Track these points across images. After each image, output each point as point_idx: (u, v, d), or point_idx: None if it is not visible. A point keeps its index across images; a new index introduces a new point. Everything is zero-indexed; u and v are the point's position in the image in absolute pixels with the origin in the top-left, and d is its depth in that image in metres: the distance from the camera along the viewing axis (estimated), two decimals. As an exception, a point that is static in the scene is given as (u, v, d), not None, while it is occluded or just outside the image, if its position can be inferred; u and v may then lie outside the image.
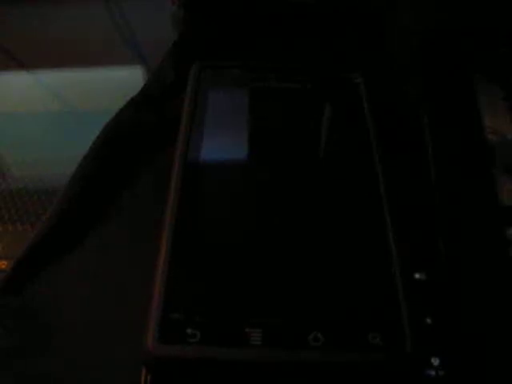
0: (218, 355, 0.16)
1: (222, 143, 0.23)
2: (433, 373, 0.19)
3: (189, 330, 0.16)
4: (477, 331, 0.20)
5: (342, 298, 0.18)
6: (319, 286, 0.18)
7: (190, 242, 0.19)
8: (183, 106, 0.24)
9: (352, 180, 0.22)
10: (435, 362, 0.19)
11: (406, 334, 0.16)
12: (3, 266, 0.25)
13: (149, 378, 0.17)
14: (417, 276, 0.21)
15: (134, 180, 0.25)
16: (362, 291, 0.18)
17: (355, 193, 0.21)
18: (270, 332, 0.16)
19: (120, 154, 0.26)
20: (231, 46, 0.30)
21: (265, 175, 0.22)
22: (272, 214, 0.20)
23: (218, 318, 0.17)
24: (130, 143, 0.26)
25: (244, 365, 0.16)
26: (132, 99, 0.28)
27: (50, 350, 0.20)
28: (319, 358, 0.16)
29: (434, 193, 0.24)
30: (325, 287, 0.18)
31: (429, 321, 0.20)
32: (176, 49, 0.31)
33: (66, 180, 0.25)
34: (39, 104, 0.35)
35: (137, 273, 0.21)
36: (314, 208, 0.21)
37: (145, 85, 0.29)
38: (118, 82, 0.36)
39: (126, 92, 0.28)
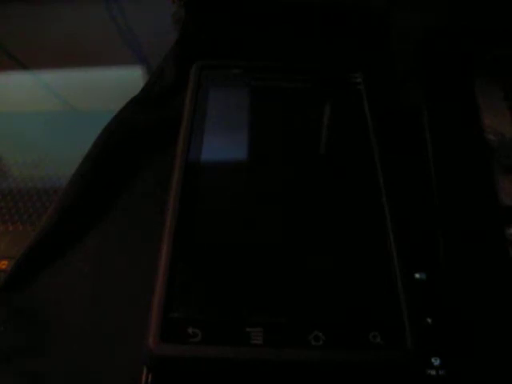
0: (219, 354, 0.16)
1: (223, 143, 0.23)
2: (433, 373, 0.19)
3: (190, 330, 0.16)
4: (477, 331, 0.20)
5: (343, 298, 0.18)
6: (320, 286, 0.18)
7: (190, 242, 0.19)
8: (183, 106, 0.24)
9: (352, 180, 0.22)
10: (435, 361, 0.19)
11: (407, 333, 0.17)
12: (3, 266, 0.25)
13: (150, 377, 0.17)
14: (417, 276, 0.21)
15: (134, 180, 0.25)
16: (363, 291, 0.18)
17: (355, 193, 0.21)
18: (271, 331, 0.16)
19: (120, 153, 0.26)
20: (231, 45, 0.30)
21: (265, 175, 0.22)
22: (273, 213, 0.20)
23: (219, 318, 0.17)
24: (131, 143, 0.26)
25: (245, 364, 0.16)
26: (132, 99, 0.28)
27: (50, 350, 0.20)
28: (320, 357, 0.16)
29: (434, 193, 0.24)
30: (326, 287, 0.18)
31: (429, 321, 0.20)
32: (177, 48, 0.31)
33: (66, 180, 0.25)
34: (39, 104, 0.35)
35: (137, 272, 0.21)
36: (314, 208, 0.21)
37: (145, 84, 0.29)
38: (118, 82, 0.36)
39: (126, 92, 0.28)
